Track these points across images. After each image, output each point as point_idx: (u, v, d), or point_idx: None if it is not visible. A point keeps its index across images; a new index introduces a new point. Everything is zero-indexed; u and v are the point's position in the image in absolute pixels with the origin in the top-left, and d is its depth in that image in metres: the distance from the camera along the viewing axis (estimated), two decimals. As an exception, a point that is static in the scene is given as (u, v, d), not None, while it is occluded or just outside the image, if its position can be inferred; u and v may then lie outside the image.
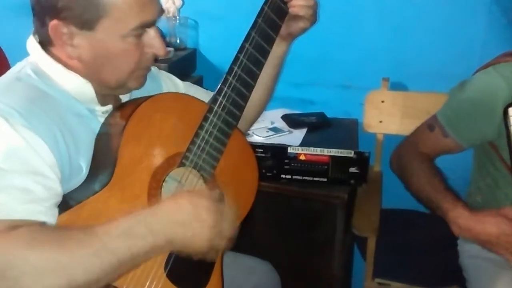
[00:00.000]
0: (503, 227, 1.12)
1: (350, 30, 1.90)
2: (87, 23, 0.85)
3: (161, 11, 0.92)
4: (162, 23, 2.02)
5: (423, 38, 1.83)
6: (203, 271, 0.97)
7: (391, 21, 1.85)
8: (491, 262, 1.27)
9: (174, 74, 1.22)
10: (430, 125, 1.34)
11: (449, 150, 1.33)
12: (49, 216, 0.81)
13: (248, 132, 1.63)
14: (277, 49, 1.04)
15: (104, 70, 0.90)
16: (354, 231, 1.47)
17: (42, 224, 0.80)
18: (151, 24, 0.90)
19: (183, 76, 1.93)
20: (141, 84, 0.96)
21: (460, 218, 1.17)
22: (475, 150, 1.40)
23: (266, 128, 1.74)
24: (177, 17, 2.02)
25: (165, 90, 1.13)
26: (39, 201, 0.80)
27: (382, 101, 1.77)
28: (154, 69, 1.14)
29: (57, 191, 0.84)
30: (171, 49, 1.92)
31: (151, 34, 0.91)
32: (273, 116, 1.83)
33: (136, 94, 1.00)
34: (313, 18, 1.03)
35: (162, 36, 0.94)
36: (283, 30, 1.02)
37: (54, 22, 0.85)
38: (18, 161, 0.79)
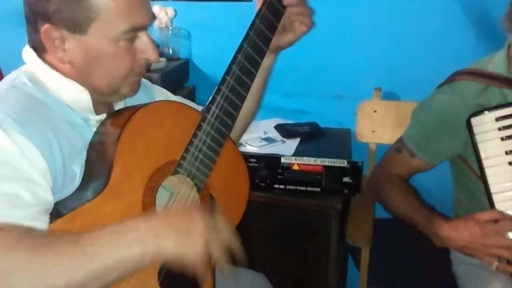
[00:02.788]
0: (475, 230, 1.14)
1: (343, 41, 1.91)
2: (78, 27, 0.85)
3: (153, 17, 0.92)
4: (155, 33, 2.04)
5: (415, 49, 1.85)
6: (195, 284, 0.95)
7: (384, 32, 1.86)
8: (478, 267, 1.29)
9: (166, 84, 1.22)
10: (397, 148, 1.38)
11: (419, 169, 1.36)
12: (37, 221, 0.80)
13: (241, 142, 1.63)
14: (266, 61, 1.05)
15: (96, 75, 0.90)
16: (348, 241, 1.47)
17: (27, 228, 0.77)
18: (143, 28, 0.90)
19: (176, 87, 1.94)
20: (135, 90, 0.96)
21: (438, 229, 1.19)
22: (450, 165, 1.42)
23: (259, 138, 1.74)
24: (170, 27, 2.02)
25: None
26: (26, 206, 0.79)
27: (375, 111, 1.78)
28: (147, 82, 1.15)
29: (47, 198, 0.83)
30: (163, 59, 1.92)
31: (143, 39, 0.91)
32: (266, 126, 1.83)
33: (131, 103, 1.00)
34: (309, 25, 1.04)
35: (156, 44, 0.94)
36: (272, 43, 1.03)
37: (46, 27, 0.85)
38: (10, 168, 0.79)
